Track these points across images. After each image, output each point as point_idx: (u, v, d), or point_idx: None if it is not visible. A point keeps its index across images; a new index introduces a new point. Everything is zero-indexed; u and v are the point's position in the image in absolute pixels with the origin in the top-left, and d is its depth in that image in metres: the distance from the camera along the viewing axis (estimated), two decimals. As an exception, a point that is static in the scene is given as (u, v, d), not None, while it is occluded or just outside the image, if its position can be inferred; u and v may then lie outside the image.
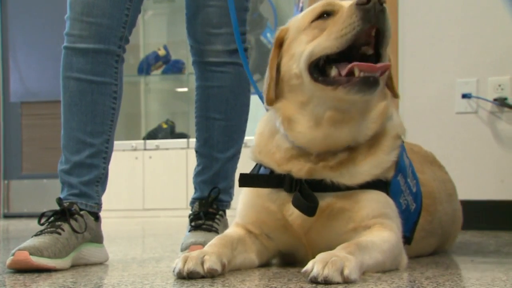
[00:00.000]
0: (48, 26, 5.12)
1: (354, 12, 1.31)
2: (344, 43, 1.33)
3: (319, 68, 1.39)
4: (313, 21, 1.42)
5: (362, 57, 1.35)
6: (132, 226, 3.84)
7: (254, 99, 1.89)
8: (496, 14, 2.83)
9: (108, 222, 4.13)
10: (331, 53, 1.35)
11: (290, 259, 1.57)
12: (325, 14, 1.40)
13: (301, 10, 3.82)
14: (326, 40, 1.35)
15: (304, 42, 1.41)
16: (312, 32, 1.40)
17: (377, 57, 1.36)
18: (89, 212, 1.72)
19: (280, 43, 1.49)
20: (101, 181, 1.76)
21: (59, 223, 1.63)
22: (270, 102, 1.47)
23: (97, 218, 1.77)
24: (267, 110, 1.53)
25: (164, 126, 5.18)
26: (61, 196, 1.72)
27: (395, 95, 1.52)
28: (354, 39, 1.32)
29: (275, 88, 1.46)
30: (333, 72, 1.37)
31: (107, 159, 1.78)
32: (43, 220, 1.66)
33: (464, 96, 2.86)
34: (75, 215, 1.67)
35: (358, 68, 1.32)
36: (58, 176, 1.75)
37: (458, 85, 2.88)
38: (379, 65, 1.32)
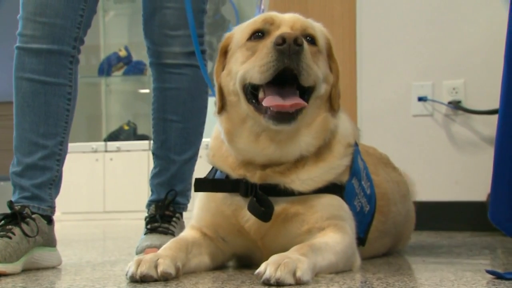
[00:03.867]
0: (0, 25, 5.00)
1: (271, 51, 1.33)
2: (264, 79, 1.35)
3: (253, 87, 1.40)
4: (249, 38, 1.43)
5: (292, 76, 1.35)
6: (91, 229, 3.79)
7: (212, 101, 1.88)
8: (451, 19, 2.91)
9: (68, 225, 4.08)
10: (258, 84, 1.37)
11: (246, 260, 1.57)
12: (259, 33, 1.42)
13: (263, 13, 3.83)
14: (251, 70, 1.37)
15: (239, 62, 1.43)
16: (246, 53, 1.42)
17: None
18: (42, 216, 1.69)
19: (224, 51, 1.50)
20: (54, 183, 1.73)
21: (9, 226, 1.60)
22: (219, 111, 1.49)
23: (50, 221, 1.74)
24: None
25: (126, 127, 5.13)
26: (13, 199, 1.68)
27: (334, 107, 1.49)
28: (273, 75, 1.34)
29: (220, 98, 1.48)
30: (260, 94, 1.39)
31: (60, 161, 1.75)
32: (-7, 224, 1.62)
33: (420, 99, 2.92)
34: (27, 219, 1.63)
35: (269, 106, 1.34)
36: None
37: (414, 88, 2.94)
38: (288, 103, 1.34)
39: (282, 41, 1.32)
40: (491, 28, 2.80)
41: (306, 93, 1.40)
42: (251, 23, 1.45)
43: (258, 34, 1.42)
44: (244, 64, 1.41)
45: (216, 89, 1.50)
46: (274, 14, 1.46)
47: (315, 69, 1.40)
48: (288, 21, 1.44)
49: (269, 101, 1.35)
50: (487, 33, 2.82)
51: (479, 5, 2.87)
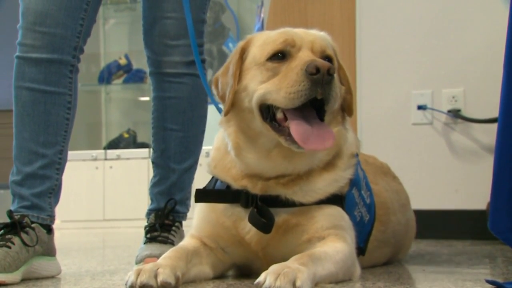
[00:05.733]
0: (1, 34, 5.00)
1: (303, 79, 1.33)
2: (292, 106, 1.35)
3: (268, 106, 1.40)
4: (269, 58, 1.42)
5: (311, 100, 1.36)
6: (91, 237, 3.78)
7: (211, 110, 1.89)
8: (450, 28, 2.91)
9: (67, 233, 4.07)
10: (282, 108, 1.37)
11: (246, 270, 1.57)
12: (281, 54, 1.41)
13: (262, 21, 3.85)
14: (276, 93, 1.37)
15: (257, 80, 1.42)
16: (267, 73, 1.41)
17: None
18: (41, 225, 1.69)
19: (242, 54, 1.48)
20: (54, 192, 1.73)
21: (9, 236, 1.60)
22: (227, 113, 1.47)
23: (49, 230, 1.73)
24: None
25: (126, 135, 5.13)
26: (12, 208, 1.68)
27: (349, 114, 1.53)
28: (303, 103, 1.34)
29: (230, 103, 1.46)
30: (279, 114, 1.39)
31: (60, 170, 1.75)
32: (-8, 233, 1.62)
33: (420, 107, 2.92)
34: (26, 228, 1.63)
35: (294, 136, 1.34)
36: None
37: (413, 96, 2.94)
38: (322, 146, 1.34)
39: (316, 71, 1.32)
40: (490, 37, 2.81)
41: (321, 110, 1.39)
42: (271, 43, 1.43)
43: (278, 55, 1.41)
44: (263, 84, 1.40)
45: (230, 89, 1.45)
46: (293, 33, 1.45)
47: (339, 94, 1.41)
48: (307, 42, 1.43)
49: (301, 137, 1.33)
50: (486, 41, 2.83)
51: (478, 14, 2.88)
